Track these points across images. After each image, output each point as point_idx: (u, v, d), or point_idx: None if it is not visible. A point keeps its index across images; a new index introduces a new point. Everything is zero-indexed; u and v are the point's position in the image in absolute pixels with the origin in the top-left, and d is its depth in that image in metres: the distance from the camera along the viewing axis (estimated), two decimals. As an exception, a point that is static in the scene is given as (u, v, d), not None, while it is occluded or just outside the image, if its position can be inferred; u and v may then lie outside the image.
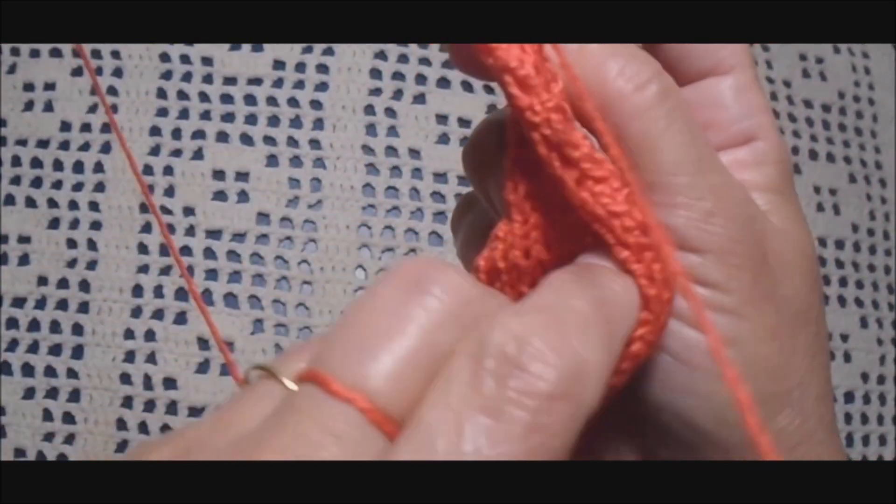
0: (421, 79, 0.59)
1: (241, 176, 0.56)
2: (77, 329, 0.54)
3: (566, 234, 0.22)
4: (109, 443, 0.53)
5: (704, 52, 0.24)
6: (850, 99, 0.65)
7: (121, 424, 0.53)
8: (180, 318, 0.54)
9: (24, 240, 0.55)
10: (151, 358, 0.54)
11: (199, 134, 0.57)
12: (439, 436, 0.16)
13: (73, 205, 0.56)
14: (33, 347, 0.54)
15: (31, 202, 0.56)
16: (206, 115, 0.57)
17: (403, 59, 0.59)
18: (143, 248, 0.55)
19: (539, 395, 0.16)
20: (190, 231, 0.55)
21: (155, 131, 0.57)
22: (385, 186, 0.57)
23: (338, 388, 0.16)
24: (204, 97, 0.58)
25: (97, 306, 0.54)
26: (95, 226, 0.55)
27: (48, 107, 0.57)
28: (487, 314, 0.18)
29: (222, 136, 0.57)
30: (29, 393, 0.53)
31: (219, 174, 0.56)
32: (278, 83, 0.58)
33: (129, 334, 0.54)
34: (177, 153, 0.56)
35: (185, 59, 0.58)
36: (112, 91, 0.57)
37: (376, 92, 0.58)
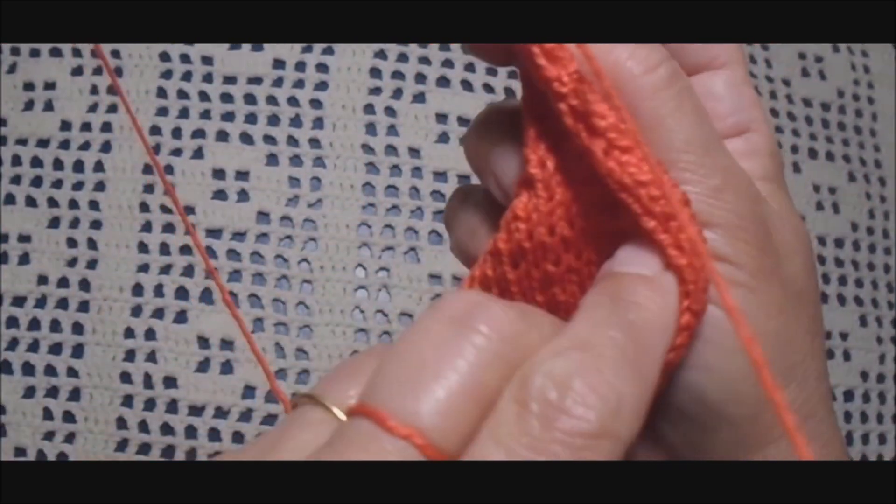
0: (420, 78, 0.59)
1: (242, 175, 0.57)
2: (77, 328, 0.54)
3: (589, 210, 0.22)
4: (110, 442, 0.53)
5: (700, 47, 0.25)
6: (849, 97, 0.65)
7: (121, 423, 0.53)
8: (180, 317, 0.54)
9: (24, 239, 0.55)
10: (151, 357, 0.54)
11: (199, 133, 0.57)
12: None
13: (74, 204, 0.56)
14: (33, 346, 0.54)
15: (31, 201, 0.56)
16: (206, 115, 0.57)
17: (403, 58, 0.59)
18: (143, 248, 0.55)
19: (581, 435, 0.17)
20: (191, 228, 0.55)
21: (155, 130, 0.57)
22: (385, 185, 0.57)
23: (394, 424, 0.17)
24: (204, 96, 0.58)
25: (97, 305, 0.54)
26: (95, 225, 0.55)
27: (48, 106, 0.57)
28: (530, 349, 0.19)
29: (222, 136, 0.57)
30: (29, 392, 0.53)
31: (219, 173, 0.56)
32: (278, 82, 0.58)
33: (129, 333, 0.54)
34: (177, 152, 0.57)
35: (185, 58, 0.58)
36: (112, 90, 0.57)
37: (376, 91, 0.58)
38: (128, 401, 0.53)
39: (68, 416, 0.53)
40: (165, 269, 0.55)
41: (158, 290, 0.54)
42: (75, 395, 0.53)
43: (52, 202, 0.56)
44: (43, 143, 0.57)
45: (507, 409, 0.18)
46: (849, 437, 0.59)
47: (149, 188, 0.56)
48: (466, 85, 0.60)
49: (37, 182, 0.56)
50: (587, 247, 0.23)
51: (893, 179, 0.64)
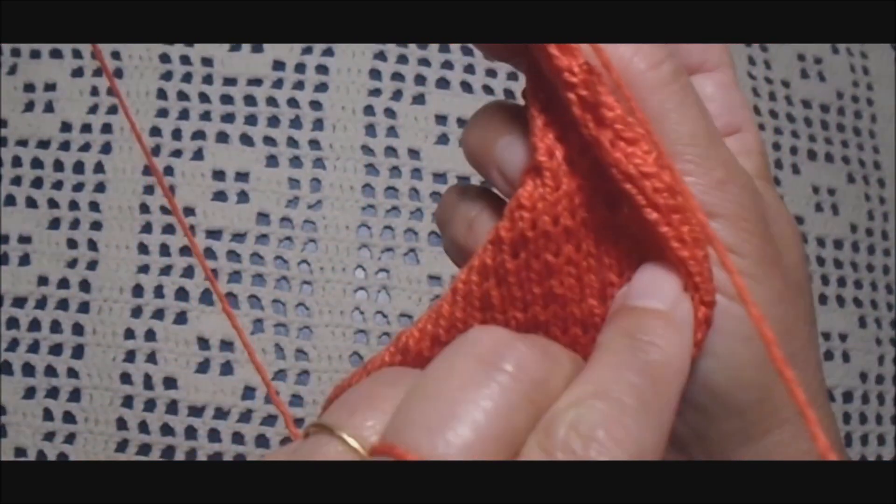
0: (420, 79, 0.59)
1: (241, 176, 0.57)
2: (77, 329, 0.54)
3: (590, 202, 0.23)
4: (110, 442, 0.53)
5: (693, 49, 0.26)
6: (848, 99, 0.65)
7: (121, 424, 0.53)
8: (180, 318, 0.54)
9: (24, 240, 0.55)
10: (152, 357, 0.54)
11: (199, 134, 0.57)
12: None
13: (74, 205, 0.56)
14: (34, 347, 0.54)
15: (31, 202, 0.56)
16: (206, 116, 0.57)
17: (403, 59, 0.59)
18: (143, 249, 0.55)
19: None
20: (190, 231, 0.55)
21: (155, 132, 0.57)
22: (384, 187, 0.57)
23: None
24: (204, 98, 0.58)
25: (97, 306, 0.54)
26: (96, 226, 0.55)
27: (49, 107, 0.57)
28: (554, 389, 0.19)
29: (222, 137, 0.57)
30: (29, 392, 0.53)
31: (219, 174, 0.57)
32: (278, 84, 0.58)
33: (129, 334, 0.54)
34: (177, 154, 0.57)
35: (185, 59, 0.58)
36: (113, 91, 0.57)
37: (376, 93, 0.59)
38: (128, 401, 0.53)
39: (68, 417, 0.53)
40: (165, 270, 0.55)
41: (158, 291, 0.55)
42: (75, 395, 0.53)
43: (53, 203, 0.56)
44: (43, 144, 0.57)
45: (534, 457, 0.18)
46: (848, 439, 0.59)
47: (149, 189, 0.56)
48: (466, 86, 0.60)
49: (37, 183, 0.56)
50: (587, 238, 0.23)
51: (893, 180, 0.64)
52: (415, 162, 0.58)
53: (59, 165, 0.56)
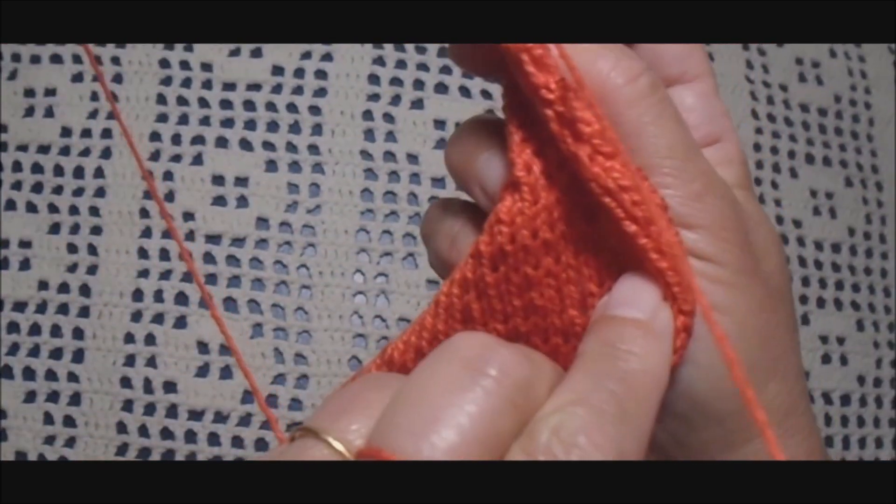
0: (419, 84, 0.59)
1: (241, 181, 0.57)
2: (78, 333, 0.54)
3: (569, 215, 0.23)
4: (110, 446, 0.53)
5: (672, 60, 0.26)
6: (846, 102, 0.65)
7: (121, 428, 0.53)
8: (180, 323, 0.55)
9: (25, 244, 0.55)
10: (151, 362, 0.54)
11: (198, 139, 0.57)
12: None
13: (74, 210, 0.56)
14: (34, 351, 0.54)
15: (31, 207, 0.56)
16: (205, 121, 0.57)
17: (401, 64, 0.60)
18: (143, 253, 0.55)
19: None
20: (190, 236, 0.56)
21: (155, 137, 0.57)
22: (383, 191, 0.57)
23: None
24: (203, 103, 0.58)
25: (98, 310, 0.54)
26: (96, 231, 0.56)
27: (49, 112, 0.58)
28: (537, 395, 0.20)
29: (222, 142, 0.57)
30: (30, 396, 0.53)
31: (218, 179, 0.57)
32: (277, 89, 0.58)
33: (129, 338, 0.54)
34: (176, 158, 0.57)
35: (184, 64, 0.58)
36: (112, 97, 0.58)
37: (374, 97, 0.59)
38: (128, 405, 0.53)
39: (69, 421, 0.53)
40: (165, 275, 0.55)
41: (158, 296, 0.55)
42: (76, 399, 0.53)
43: (53, 208, 0.56)
44: (43, 149, 0.57)
45: (512, 452, 0.19)
46: (845, 441, 0.59)
47: (148, 194, 0.56)
48: (464, 91, 0.60)
49: (37, 188, 0.56)
50: (566, 250, 0.23)
51: (890, 184, 0.65)
52: (413, 166, 0.58)
53: (59, 170, 0.57)
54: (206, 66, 0.58)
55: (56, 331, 0.54)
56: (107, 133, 0.57)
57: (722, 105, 0.27)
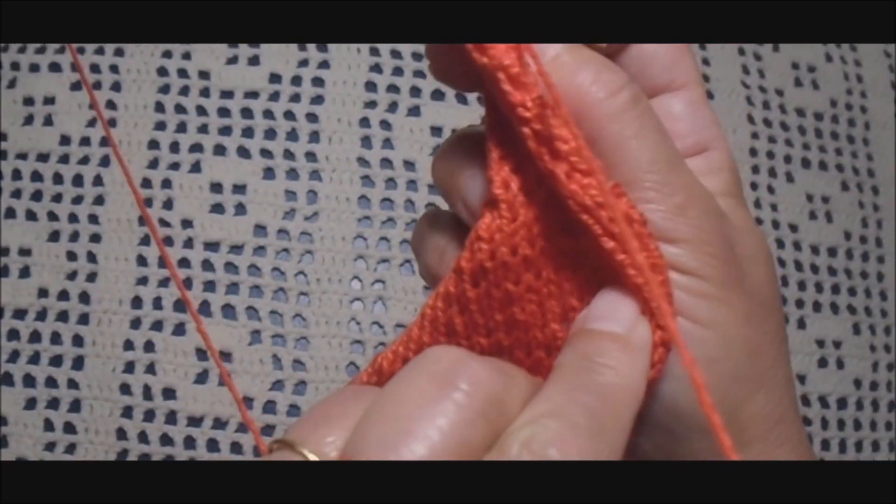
0: (416, 91, 0.60)
1: (239, 188, 0.57)
2: (77, 340, 0.55)
3: (549, 231, 0.23)
4: (110, 452, 0.53)
5: (660, 69, 0.26)
6: (842, 107, 0.65)
7: (121, 434, 0.54)
8: (179, 330, 0.55)
9: (24, 252, 0.56)
10: (151, 368, 0.54)
11: (196, 147, 0.58)
12: None
13: (73, 218, 0.56)
14: (34, 358, 0.54)
15: (31, 215, 0.56)
16: (203, 129, 0.58)
17: (398, 71, 0.60)
18: (142, 261, 0.56)
19: None
20: (188, 243, 0.56)
21: (153, 145, 0.58)
22: (380, 198, 0.58)
23: None
24: (201, 111, 0.58)
25: (97, 318, 0.55)
26: (95, 238, 0.56)
27: (48, 121, 0.58)
28: (510, 407, 0.20)
29: (220, 150, 0.58)
30: (30, 403, 0.54)
31: (216, 187, 0.57)
32: (275, 96, 0.59)
33: (128, 345, 0.55)
34: (175, 166, 0.57)
35: (182, 72, 0.59)
36: (111, 105, 0.58)
37: (371, 104, 0.59)
38: (127, 412, 0.54)
39: (69, 427, 0.54)
40: (164, 282, 0.55)
41: (157, 303, 0.55)
42: (76, 406, 0.54)
43: (52, 216, 0.56)
44: (43, 157, 0.57)
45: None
46: (842, 445, 0.60)
47: (147, 202, 0.56)
48: (461, 98, 0.60)
49: (37, 196, 0.57)
50: (547, 266, 0.23)
51: (886, 188, 0.65)
52: (410, 173, 0.58)
53: (58, 178, 0.57)
54: (204, 74, 0.59)
55: (56, 338, 0.55)
56: (105, 141, 0.57)
57: (711, 113, 0.26)
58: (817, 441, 0.59)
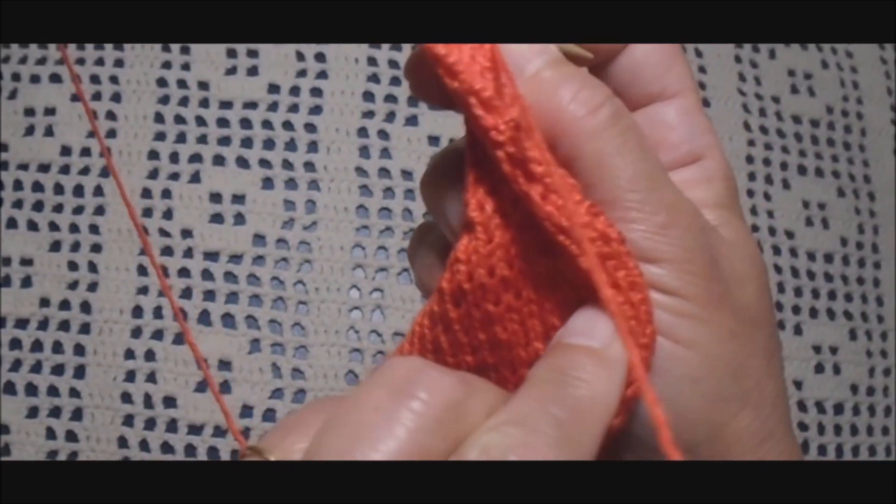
0: (413, 101, 0.60)
1: (238, 198, 0.58)
2: (79, 349, 0.55)
3: (527, 251, 0.23)
4: (112, 460, 0.54)
5: (651, 77, 0.25)
6: (838, 113, 0.66)
7: (122, 442, 0.54)
8: (179, 339, 0.55)
9: (26, 262, 0.56)
10: (151, 377, 0.55)
11: (196, 157, 0.58)
12: None
13: (74, 228, 0.57)
14: (36, 367, 0.55)
15: (32, 225, 0.57)
16: (202, 139, 0.58)
17: (395, 81, 0.60)
18: (142, 270, 0.56)
19: None
20: (188, 253, 0.56)
21: (153, 155, 0.58)
22: (378, 207, 0.58)
23: None
24: (201, 121, 0.59)
25: (98, 327, 0.55)
26: (96, 248, 0.56)
27: (48, 132, 0.58)
28: (473, 416, 0.20)
29: (219, 160, 0.58)
30: (32, 412, 0.54)
31: (216, 197, 0.58)
32: (273, 107, 0.59)
33: (129, 354, 0.55)
34: (174, 176, 0.58)
35: (181, 83, 0.59)
36: (111, 116, 0.58)
37: (369, 115, 0.59)
38: (129, 420, 0.54)
39: (71, 436, 0.54)
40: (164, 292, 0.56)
41: (157, 312, 0.56)
42: (77, 414, 0.54)
43: (54, 226, 0.57)
44: (44, 168, 0.58)
45: None
46: (839, 450, 0.60)
47: (147, 212, 0.57)
48: (458, 106, 0.61)
49: (38, 206, 0.57)
50: (526, 286, 0.23)
51: (883, 194, 0.65)
52: (408, 183, 0.59)
53: (59, 189, 0.57)
54: (203, 85, 0.59)
55: (58, 347, 0.55)
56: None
57: (706, 120, 0.26)
58: (814, 446, 0.59)
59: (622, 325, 0.20)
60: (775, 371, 0.25)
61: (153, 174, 0.58)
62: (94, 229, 0.57)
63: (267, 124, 0.59)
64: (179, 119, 0.59)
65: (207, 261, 0.56)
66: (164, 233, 0.57)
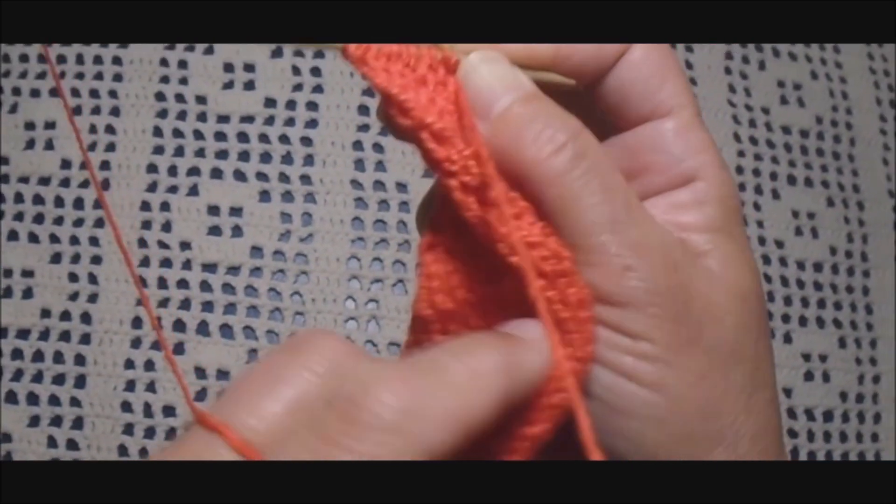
0: (407, 114, 0.61)
1: (235, 211, 0.58)
2: (79, 359, 0.56)
3: (471, 281, 0.24)
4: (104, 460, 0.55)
5: (641, 97, 0.25)
6: (827, 124, 0.66)
7: (122, 451, 0.55)
8: (178, 349, 0.56)
9: (27, 274, 0.57)
10: (151, 387, 0.56)
11: (194, 171, 0.59)
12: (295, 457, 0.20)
13: (75, 240, 0.58)
14: (37, 377, 0.56)
15: (33, 237, 0.58)
16: (200, 153, 0.59)
17: (390, 95, 0.61)
18: (141, 282, 0.57)
19: (373, 430, 0.19)
20: (187, 265, 0.57)
21: (152, 168, 0.59)
22: (373, 220, 0.59)
23: (229, 434, 0.20)
24: (198, 135, 0.60)
25: (98, 337, 0.56)
26: (96, 260, 0.57)
27: (49, 145, 0.59)
28: (366, 374, 0.21)
29: (216, 173, 0.59)
30: (34, 421, 0.55)
31: (213, 209, 0.58)
32: (270, 120, 0.60)
33: (129, 364, 0.56)
34: (173, 189, 0.59)
35: (179, 97, 0.60)
36: (110, 130, 0.59)
37: (364, 128, 0.60)
38: (129, 429, 0.55)
39: (72, 444, 0.55)
40: (163, 303, 0.57)
41: (157, 323, 0.56)
42: (78, 423, 0.55)
43: (54, 238, 0.58)
44: (44, 181, 0.59)
45: (317, 409, 0.20)
46: (828, 457, 0.61)
47: (146, 224, 0.58)
48: (453, 119, 0.61)
49: (39, 219, 0.58)
50: (473, 314, 0.24)
51: (872, 203, 0.66)
52: (403, 195, 0.59)
53: (59, 201, 0.58)
54: (201, 99, 0.60)
55: (58, 357, 0.56)
56: (105, 165, 0.59)
57: (702, 137, 0.25)
58: (804, 453, 0.60)
59: (548, 321, 0.21)
60: (758, 406, 0.24)
61: (152, 187, 0.58)
62: (94, 241, 0.58)
63: (264, 138, 0.60)
64: (177, 133, 0.60)
65: (206, 272, 0.57)
66: (162, 245, 0.58)
